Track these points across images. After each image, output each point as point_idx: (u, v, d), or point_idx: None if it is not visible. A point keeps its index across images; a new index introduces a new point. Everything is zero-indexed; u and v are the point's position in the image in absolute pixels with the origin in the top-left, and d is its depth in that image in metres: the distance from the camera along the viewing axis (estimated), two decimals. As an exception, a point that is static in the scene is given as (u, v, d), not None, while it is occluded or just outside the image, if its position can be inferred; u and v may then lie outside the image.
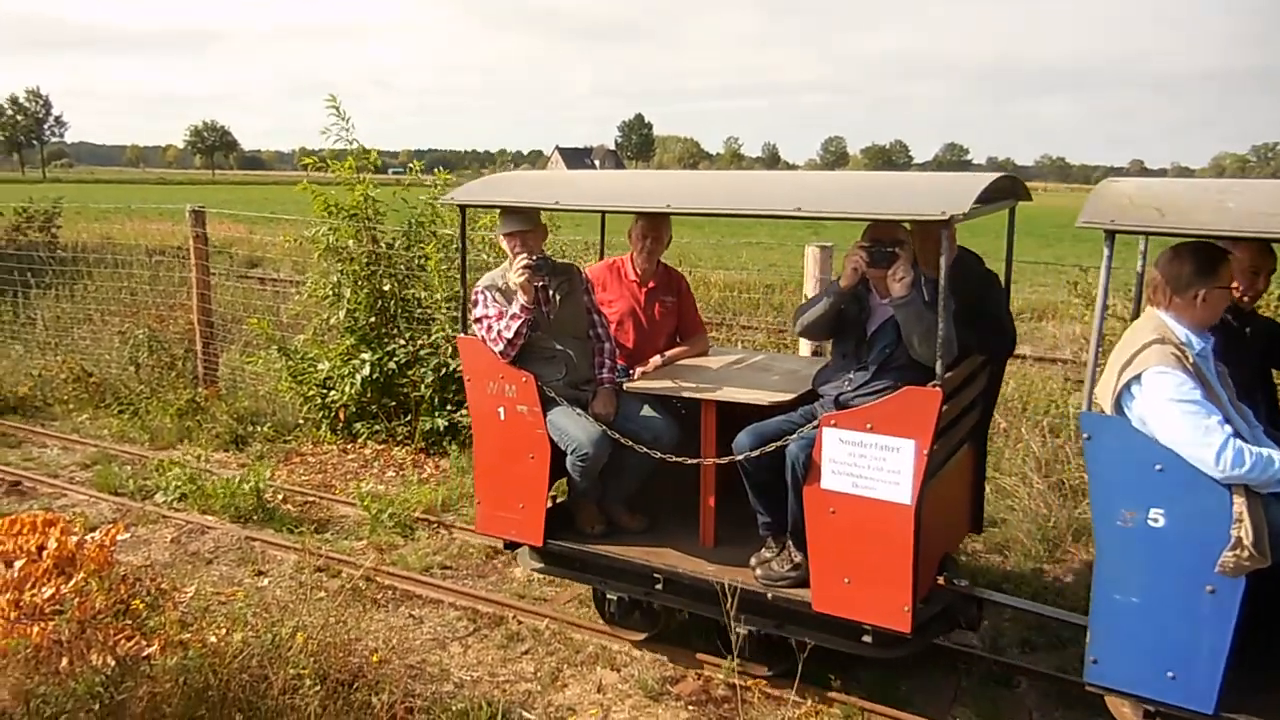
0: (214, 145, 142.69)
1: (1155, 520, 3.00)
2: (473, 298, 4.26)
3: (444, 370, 6.90)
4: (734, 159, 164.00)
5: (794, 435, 3.67)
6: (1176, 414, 2.95)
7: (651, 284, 4.68)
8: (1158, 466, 2.99)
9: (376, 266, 7.30)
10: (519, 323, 4.05)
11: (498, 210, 4.54)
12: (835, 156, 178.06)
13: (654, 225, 4.58)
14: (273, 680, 3.42)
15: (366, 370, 7.02)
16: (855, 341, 3.80)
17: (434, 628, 4.61)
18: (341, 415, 7.27)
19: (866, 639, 3.59)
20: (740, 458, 3.79)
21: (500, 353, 4.10)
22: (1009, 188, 3.85)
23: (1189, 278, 3.11)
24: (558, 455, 4.11)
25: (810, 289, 5.98)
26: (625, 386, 4.33)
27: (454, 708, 3.77)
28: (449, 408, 6.95)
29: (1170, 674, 3.05)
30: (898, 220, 3.62)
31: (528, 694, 4.04)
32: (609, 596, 4.24)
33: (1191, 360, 3.05)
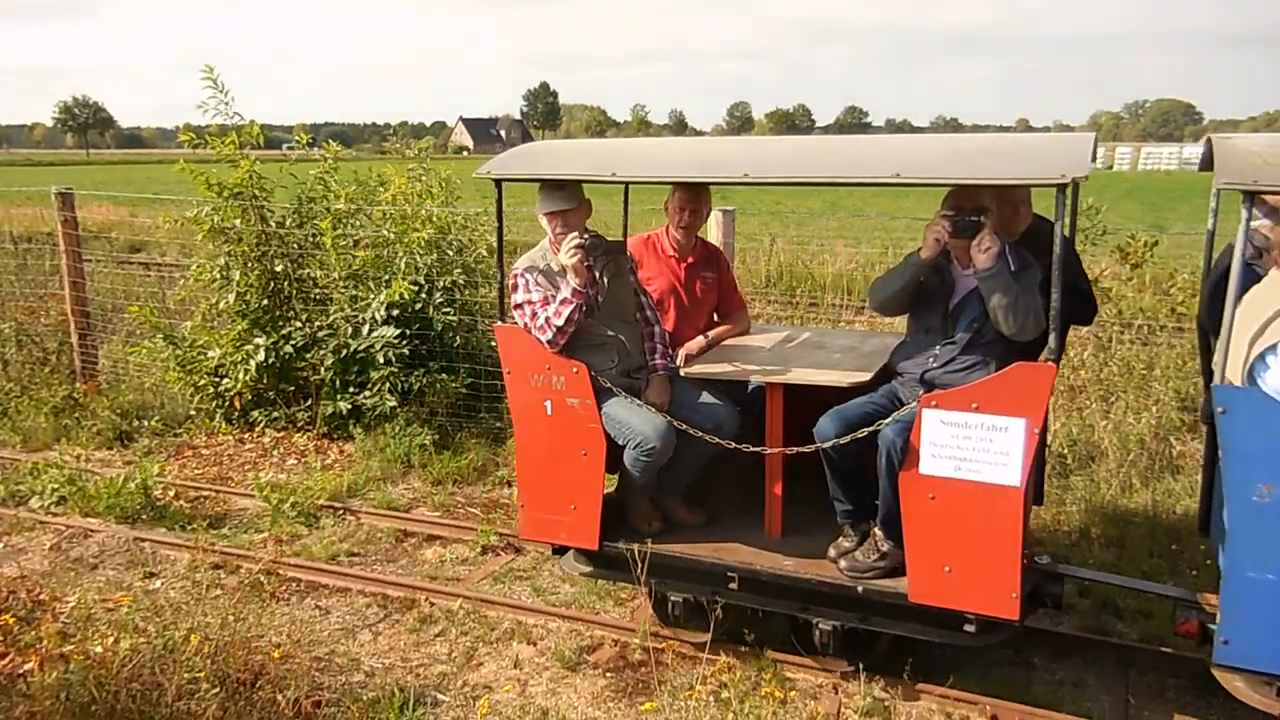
0: (87, 123, 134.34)
1: None
2: (511, 282, 3.90)
3: (344, 351, 6.65)
4: (641, 126, 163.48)
5: (887, 419, 3.44)
6: None
7: (691, 259, 4.41)
8: None
9: (267, 246, 6.97)
10: (570, 308, 3.69)
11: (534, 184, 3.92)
12: (741, 121, 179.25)
13: (694, 196, 4.27)
14: (166, 687, 3.24)
15: (261, 355, 6.71)
16: (940, 316, 3.60)
17: (342, 617, 4.45)
18: (237, 403, 6.96)
19: (969, 628, 3.42)
20: (829, 444, 3.51)
21: (549, 341, 3.75)
22: None
23: None
24: (611, 451, 3.83)
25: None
26: (683, 372, 4.02)
27: (365, 697, 3.66)
28: (351, 390, 6.71)
29: None
30: (1002, 185, 3.38)
31: (442, 676, 3.94)
32: (672, 598, 3.90)
33: None
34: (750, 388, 4.11)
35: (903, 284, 3.60)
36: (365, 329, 6.58)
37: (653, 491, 4.01)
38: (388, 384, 6.54)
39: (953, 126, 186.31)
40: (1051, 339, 3.11)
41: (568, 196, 3.83)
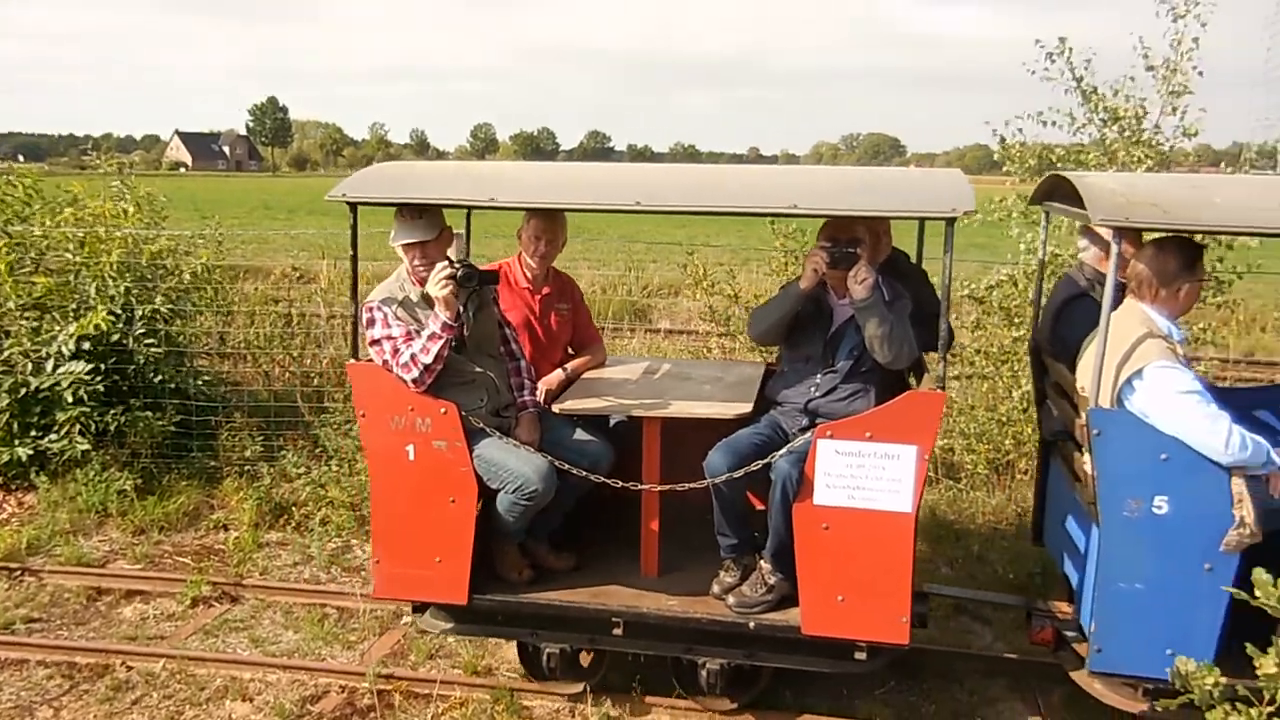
0: None
1: (1159, 507, 3.11)
2: (365, 316, 3.56)
3: (23, 391, 5.86)
4: (380, 145, 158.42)
5: (780, 450, 3.42)
6: (1186, 405, 3.07)
7: (546, 290, 4.20)
8: (1163, 456, 3.09)
9: (-82, 273, 6.01)
10: (439, 344, 3.41)
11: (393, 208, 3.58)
12: (485, 143, 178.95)
13: (551, 225, 4.08)
14: None
15: (-89, 398, 5.77)
16: (820, 345, 3.63)
17: (15, 694, 3.91)
18: (-120, 456, 5.92)
19: (860, 655, 3.43)
20: (722, 479, 3.43)
21: (414, 380, 3.44)
22: None
23: (1175, 272, 3.27)
24: (482, 495, 3.57)
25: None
26: (556, 408, 3.77)
27: (42, 784, 3.23)
28: (34, 433, 5.93)
29: (1169, 651, 3.13)
30: (877, 217, 3.46)
31: (141, 748, 3.57)
32: (547, 650, 3.71)
33: (1179, 351, 3.23)
34: (613, 421, 4.00)
35: (781, 314, 3.62)
36: (50, 365, 5.85)
37: (522, 537, 3.78)
38: (78, 425, 5.85)
39: (690, 153, 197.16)
40: (940, 367, 3.22)
41: (428, 225, 3.55)
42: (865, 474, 3.28)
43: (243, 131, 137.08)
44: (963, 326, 6.66)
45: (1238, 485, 3.06)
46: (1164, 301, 3.30)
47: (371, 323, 3.56)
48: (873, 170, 4.00)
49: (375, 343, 3.54)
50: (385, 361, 3.52)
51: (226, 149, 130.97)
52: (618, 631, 3.58)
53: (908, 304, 3.61)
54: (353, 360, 3.62)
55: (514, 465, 3.52)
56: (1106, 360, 3.17)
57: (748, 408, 3.62)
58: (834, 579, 3.34)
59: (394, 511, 3.59)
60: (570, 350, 4.36)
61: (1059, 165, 6.00)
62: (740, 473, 3.42)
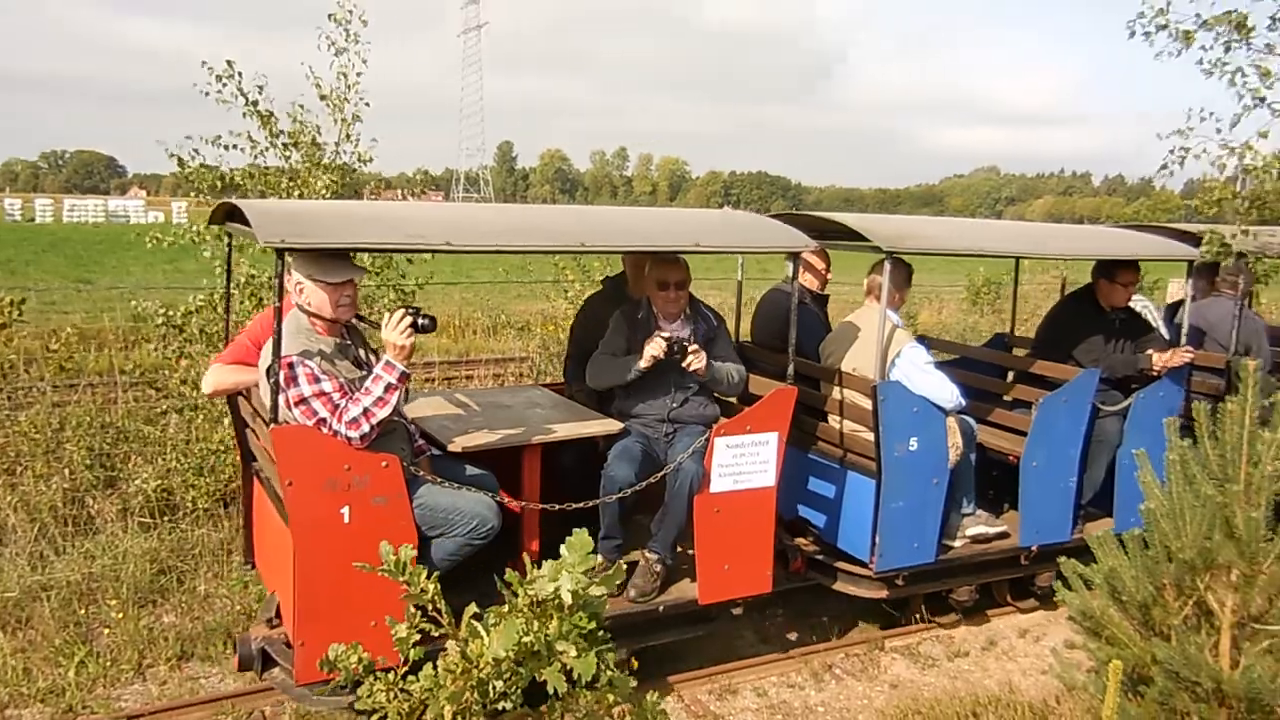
0: None
1: (913, 446, 4.38)
2: (285, 373, 3.21)
3: None
4: None
5: (686, 452, 3.95)
6: (927, 373, 4.54)
7: None
8: (915, 409, 4.38)
9: None
10: (396, 396, 3.30)
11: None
12: None
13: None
14: None
15: None
16: (672, 371, 4.13)
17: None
18: None
19: (737, 611, 4.34)
20: (643, 485, 3.90)
21: (361, 438, 3.26)
22: None
23: (902, 283, 4.75)
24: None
25: None
26: (457, 447, 3.75)
27: None
28: None
29: (915, 544, 4.49)
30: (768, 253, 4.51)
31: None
32: None
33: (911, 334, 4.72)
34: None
35: (621, 379, 4.18)
36: None
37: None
38: None
39: None
40: (791, 367, 4.16)
41: (355, 266, 3.50)
42: (745, 460, 4.05)
43: None
44: (165, 356, 6.30)
45: (951, 422, 4.56)
46: (897, 303, 4.74)
47: (293, 380, 3.26)
48: (733, 213, 4.86)
49: (303, 401, 3.27)
50: (321, 420, 3.28)
51: None
52: None
53: (725, 333, 4.39)
54: (273, 424, 3.28)
55: (466, 506, 3.51)
56: (870, 349, 4.48)
57: (617, 424, 4.16)
58: (722, 552, 4.08)
59: (324, 584, 3.40)
60: None
61: (243, 187, 5.95)
62: (657, 477, 3.96)
